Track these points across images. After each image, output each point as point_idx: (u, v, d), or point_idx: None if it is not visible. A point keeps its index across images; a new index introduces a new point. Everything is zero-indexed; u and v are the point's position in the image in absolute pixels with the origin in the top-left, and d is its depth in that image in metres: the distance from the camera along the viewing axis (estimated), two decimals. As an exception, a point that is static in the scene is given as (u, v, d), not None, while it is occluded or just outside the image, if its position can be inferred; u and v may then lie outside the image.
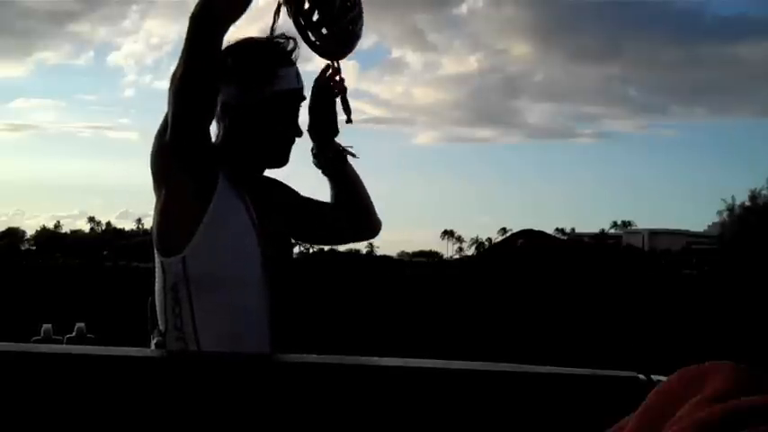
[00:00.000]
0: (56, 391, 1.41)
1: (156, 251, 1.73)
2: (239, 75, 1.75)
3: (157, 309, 1.76)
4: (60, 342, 1.92)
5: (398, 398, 1.52)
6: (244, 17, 1.66)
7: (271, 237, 1.80)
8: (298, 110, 1.84)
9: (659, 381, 1.17)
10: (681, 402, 0.73)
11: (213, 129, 1.84)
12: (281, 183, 1.97)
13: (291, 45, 1.81)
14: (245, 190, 1.78)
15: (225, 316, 1.70)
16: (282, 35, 1.81)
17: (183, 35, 1.62)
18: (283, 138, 1.82)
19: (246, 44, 1.79)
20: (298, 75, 1.82)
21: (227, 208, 1.71)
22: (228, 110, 1.78)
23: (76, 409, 1.41)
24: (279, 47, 1.80)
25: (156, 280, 1.75)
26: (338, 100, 1.93)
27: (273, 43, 1.80)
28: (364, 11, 1.82)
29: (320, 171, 2.00)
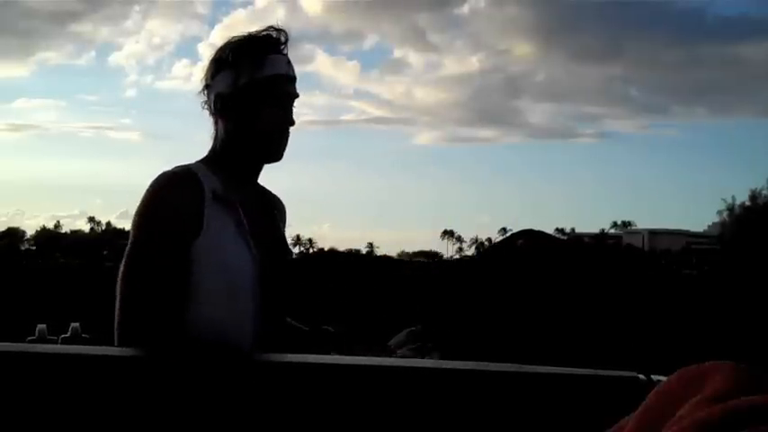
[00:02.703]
0: (51, 391, 1.41)
1: None
2: (231, 61, 1.79)
3: None
4: (55, 342, 1.92)
5: (398, 398, 1.52)
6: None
7: (265, 243, 1.79)
8: (289, 96, 1.84)
9: (659, 381, 1.16)
10: (681, 402, 0.73)
11: (210, 127, 1.86)
12: (280, 201, 1.99)
13: (282, 36, 1.83)
14: (238, 197, 1.78)
15: (214, 326, 1.70)
16: (272, 27, 1.83)
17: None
18: (277, 123, 1.82)
19: (240, 36, 1.83)
20: (289, 63, 1.84)
21: (218, 226, 1.71)
22: (223, 100, 1.80)
23: (72, 408, 1.41)
24: (270, 37, 1.82)
25: None
26: None
27: (265, 34, 1.83)
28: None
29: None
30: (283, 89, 1.82)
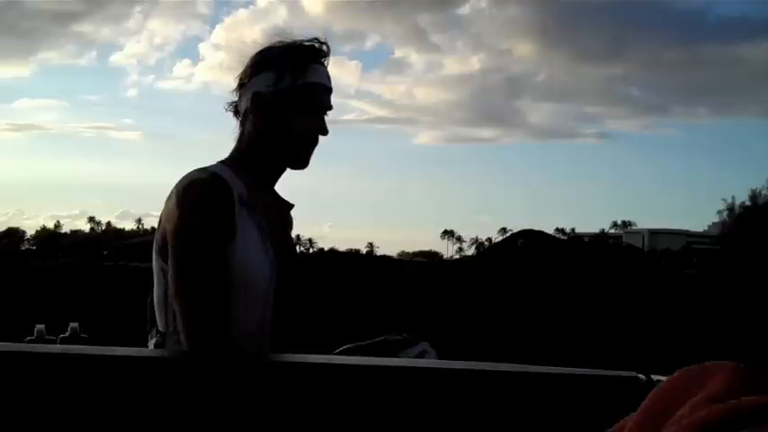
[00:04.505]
0: (52, 392, 1.41)
1: (158, 256, 1.74)
2: (275, 64, 1.81)
3: (156, 311, 1.75)
4: (54, 342, 1.93)
5: (399, 398, 1.52)
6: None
7: (279, 246, 1.80)
8: (325, 107, 1.85)
9: (659, 381, 1.16)
10: (681, 402, 0.73)
11: (236, 127, 1.86)
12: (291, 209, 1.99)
13: (325, 48, 1.86)
14: (260, 200, 1.79)
15: (233, 327, 1.69)
16: (317, 39, 1.86)
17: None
18: (310, 130, 1.83)
19: (285, 42, 1.85)
20: (328, 76, 1.87)
21: (244, 231, 1.72)
22: (259, 99, 1.80)
23: (73, 409, 1.41)
24: (314, 47, 1.85)
25: (156, 283, 1.75)
26: None
27: (309, 44, 1.85)
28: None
29: None
30: (321, 98, 1.84)
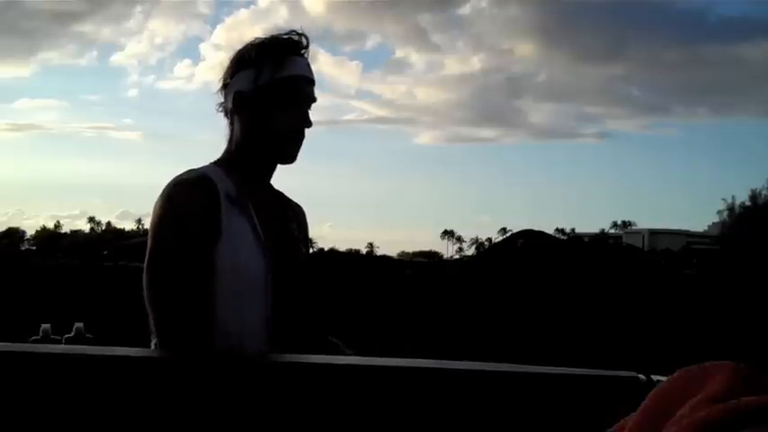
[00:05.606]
0: (55, 392, 1.41)
1: None
2: (253, 60, 1.80)
3: None
4: (59, 342, 1.93)
5: (398, 398, 1.52)
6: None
7: (278, 245, 1.80)
8: (308, 98, 1.84)
9: (659, 381, 1.16)
10: (681, 402, 0.73)
11: (223, 129, 1.86)
12: (297, 205, 1.99)
13: (304, 40, 1.85)
14: (251, 198, 1.79)
15: (223, 327, 1.70)
16: (294, 31, 1.85)
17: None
18: (294, 123, 1.82)
19: (262, 37, 1.84)
20: (309, 67, 1.85)
21: (233, 230, 1.72)
22: (241, 97, 1.80)
23: (76, 409, 1.41)
24: (292, 40, 1.84)
25: None
26: None
27: (287, 37, 1.84)
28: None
29: None
30: (302, 90, 1.83)
